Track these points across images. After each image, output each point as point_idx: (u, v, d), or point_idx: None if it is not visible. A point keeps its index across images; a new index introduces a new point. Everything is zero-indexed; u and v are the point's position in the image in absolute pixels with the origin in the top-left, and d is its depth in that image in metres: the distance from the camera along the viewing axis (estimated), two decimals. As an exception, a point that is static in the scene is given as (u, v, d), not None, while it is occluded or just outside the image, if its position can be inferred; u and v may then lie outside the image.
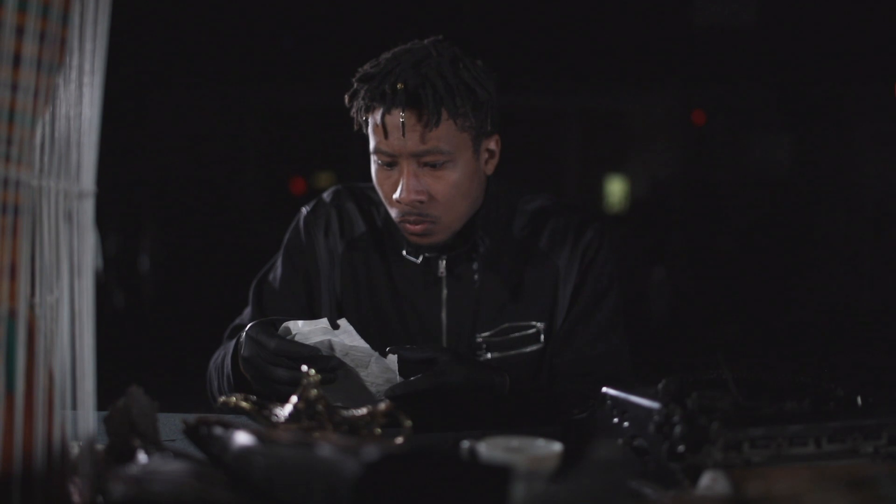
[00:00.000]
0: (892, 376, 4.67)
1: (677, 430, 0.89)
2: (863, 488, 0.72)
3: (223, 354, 1.42)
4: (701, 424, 0.88)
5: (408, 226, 1.41)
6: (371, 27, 5.35)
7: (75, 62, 0.75)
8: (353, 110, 1.43)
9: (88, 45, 0.75)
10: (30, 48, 0.70)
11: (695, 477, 0.85)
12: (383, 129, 1.35)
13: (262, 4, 6.29)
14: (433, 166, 1.37)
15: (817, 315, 6.83)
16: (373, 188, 1.54)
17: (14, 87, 0.70)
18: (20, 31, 0.69)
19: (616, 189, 8.28)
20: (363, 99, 1.38)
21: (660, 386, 0.99)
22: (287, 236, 1.58)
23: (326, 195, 1.60)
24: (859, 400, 0.97)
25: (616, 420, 1.01)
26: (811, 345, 6.03)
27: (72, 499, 0.75)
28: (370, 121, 1.39)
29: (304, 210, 1.58)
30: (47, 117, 0.74)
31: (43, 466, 0.71)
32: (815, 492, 0.72)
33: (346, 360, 1.23)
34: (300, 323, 1.26)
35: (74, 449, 0.78)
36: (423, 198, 1.37)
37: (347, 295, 1.52)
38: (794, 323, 6.71)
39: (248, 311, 1.55)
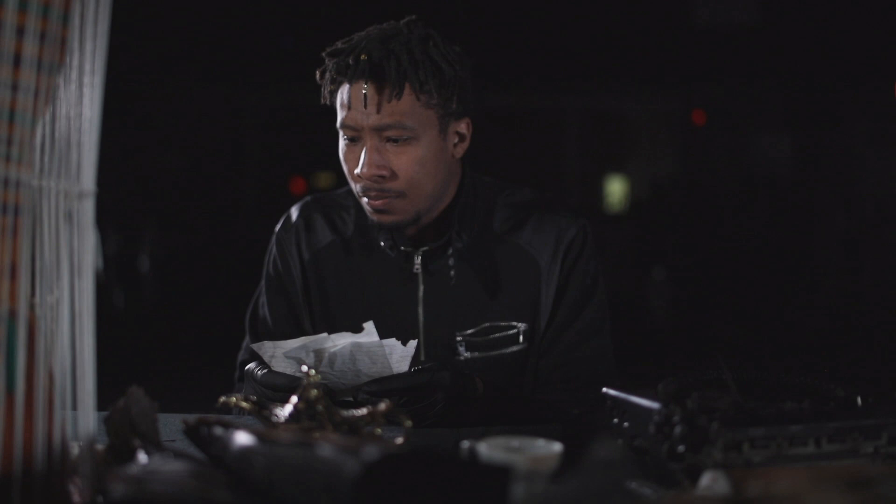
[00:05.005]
0: (892, 376, 4.67)
1: (677, 430, 0.89)
2: (863, 488, 0.72)
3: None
4: (701, 424, 0.88)
5: (369, 202, 1.40)
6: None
7: (75, 62, 0.75)
8: (323, 87, 1.42)
9: (88, 45, 0.75)
10: (30, 48, 0.70)
11: (695, 477, 0.85)
12: (347, 103, 1.36)
13: (261, 4, 6.29)
14: (395, 141, 1.36)
15: (817, 315, 6.83)
16: (345, 194, 1.54)
17: (14, 87, 0.70)
18: (20, 31, 0.69)
19: (616, 189, 8.28)
20: (330, 73, 1.39)
21: (660, 386, 0.98)
22: (266, 259, 1.55)
23: (294, 209, 1.57)
24: (859, 400, 0.97)
25: (616, 420, 1.01)
26: (811, 345, 6.02)
27: (72, 499, 0.75)
28: (337, 96, 1.39)
29: (277, 229, 1.56)
30: (47, 117, 0.74)
31: (43, 466, 0.71)
32: (814, 492, 0.72)
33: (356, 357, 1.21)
34: (287, 343, 1.24)
35: (74, 449, 0.78)
36: (384, 173, 1.36)
37: (314, 301, 1.50)
38: (795, 323, 6.70)
39: (246, 343, 1.54)
